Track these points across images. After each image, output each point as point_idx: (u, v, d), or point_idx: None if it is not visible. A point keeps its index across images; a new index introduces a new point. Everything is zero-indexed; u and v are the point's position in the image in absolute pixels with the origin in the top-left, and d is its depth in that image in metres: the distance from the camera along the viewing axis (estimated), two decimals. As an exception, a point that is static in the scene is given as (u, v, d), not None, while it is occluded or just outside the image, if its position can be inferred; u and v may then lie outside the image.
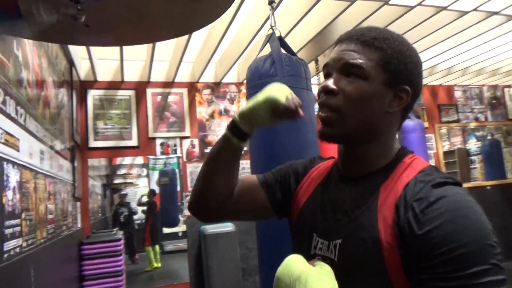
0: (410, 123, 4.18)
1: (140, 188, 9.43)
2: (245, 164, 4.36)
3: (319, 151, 1.67)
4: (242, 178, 0.90)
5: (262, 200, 0.86)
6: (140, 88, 4.12)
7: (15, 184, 1.61)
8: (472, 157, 6.68)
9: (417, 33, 3.48)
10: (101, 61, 3.94)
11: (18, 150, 1.68)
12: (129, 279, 5.17)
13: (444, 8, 3.08)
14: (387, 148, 0.71)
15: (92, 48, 3.42)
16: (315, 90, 4.06)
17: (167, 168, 5.14)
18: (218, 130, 4.34)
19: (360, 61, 0.67)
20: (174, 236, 8.61)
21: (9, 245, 1.50)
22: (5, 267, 1.43)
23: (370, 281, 0.61)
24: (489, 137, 5.83)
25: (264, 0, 2.97)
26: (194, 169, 4.25)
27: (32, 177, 1.91)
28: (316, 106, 1.85)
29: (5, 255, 1.45)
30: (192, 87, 4.31)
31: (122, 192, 8.17)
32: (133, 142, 4.03)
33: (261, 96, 0.78)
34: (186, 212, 4.18)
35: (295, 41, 3.53)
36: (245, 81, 4.38)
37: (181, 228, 7.79)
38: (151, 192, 7.66)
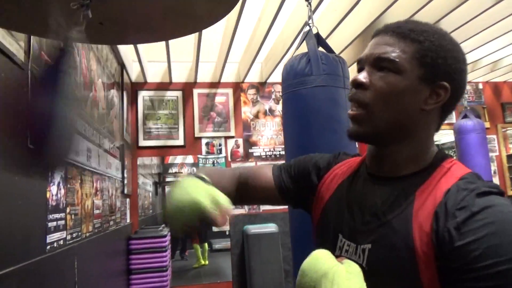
0: (468, 122, 3.89)
1: (190, 186, 9.73)
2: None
3: (356, 152, 1.59)
4: (255, 170, 0.91)
5: (272, 192, 0.87)
6: (187, 88, 4.22)
7: (59, 180, 1.70)
8: (543, 161, 6.08)
9: (476, 25, 3.22)
10: (150, 63, 4.09)
11: (63, 148, 1.77)
12: (177, 275, 5.34)
13: (506, -3, 2.81)
14: (423, 149, 0.66)
15: (141, 51, 3.56)
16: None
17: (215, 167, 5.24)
18: (263, 130, 4.32)
19: (393, 54, 0.63)
20: (222, 235, 8.77)
21: (52, 237, 1.59)
22: (48, 258, 1.51)
23: None
24: (563, 139, 5.25)
25: (307, -3, 2.91)
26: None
27: (78, 173, 2.01)
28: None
29: (48, 247, 1.53)
30: (238, 87, 4.34)
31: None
32: (180, 141, 4.14)
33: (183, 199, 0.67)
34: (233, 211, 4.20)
35: (340, 39, 3.42)
36: (290, 81, 4.35)
37: (228, 227, 7.95)
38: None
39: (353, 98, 0.67)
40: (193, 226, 0.67)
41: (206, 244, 7.48)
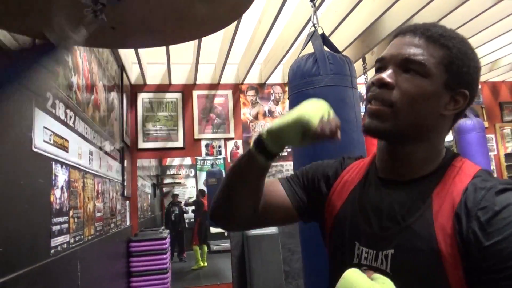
0: (468, 122, 3.90)
1: (188, 188, 9.68)
2: (289, 166, 4.31)
3: (365, 152, 1.59)
4: (266, 186, 0.82)
5: (287, 208, 0.81)
6: (186, 90, 4.21)
7: (63, 183, 1.69)
8: (540, 160, 6.11)
9: (475, 26, 3.24)
10: (150, 65, 4.07)
11: (67, 151, 1.76)
12: (177, 277, 5.31)
13: (506, -2, 2.82)
14: (436, 151, 0.66)
15: (141, 53, 3.54)
16: (362, 89, 3.88)
17: (214, 169, 5.21)
18: (263, 131, 4.32)
19: (422, 57, 0.63)
20: (220, 236, 8.73)
21: (56, 241, 1.57)
22: (52, 262, 1.50)
23: None
24: (560, 138, 5.29)
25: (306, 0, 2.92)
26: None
27: (81, 176, 2.00)
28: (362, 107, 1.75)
29: (52, 251, 1.52)
30: (237, 89, 4.33)
31: (174, 192, 8.44)
32: (179, 143, 4.13)
33: (292, 114, 0.69)
34: (231, 213, 4.19)
35: (341, 40, 3.42)
36: (289, 82, 4.35)
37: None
38: (200, 192, 7.84)
39: (377, 96, 0.65)
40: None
41: (205, 246, 7.46)
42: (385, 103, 0.63)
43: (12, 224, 1.18)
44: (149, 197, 7.39)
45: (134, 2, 0.71)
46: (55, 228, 1.57)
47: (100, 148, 2.50)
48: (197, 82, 4.21)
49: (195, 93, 4.24)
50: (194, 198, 8.10)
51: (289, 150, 4.31)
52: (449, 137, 4.67)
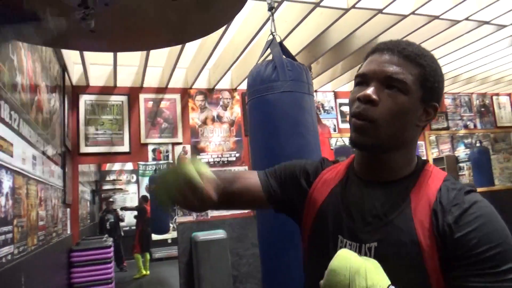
0: (401, 130, 4.22)
1: (129, 194, 9.34)
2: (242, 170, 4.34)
3: (320, 155, 1.67)
4: (242, 174, 0.92)
5: (257, 192, 0.87)
6: (132, 93, 4.09)
7: (8, 190, 1.57)
8: (461, 164, 6.78)
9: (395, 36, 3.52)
10: (94, 66, 3.90)
11: (11, 156, 1.64)
12: (118, 287, 5.09)
13: (437, 17, 3.13)
14: (411, 157, 0.76)
15: (85, 53, 3.38)
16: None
17: (157, 174, 5.10)
18: (211, 136, 4.32)
19: (403, 75, 0.70)
20: (163, 243, 8.54)
21: (1, 252, 1.46)
22: (-4, 276, 1.39)
23: (409, 283, 0.64)
24: (477, 145, 5.92)
25: (258, 8, 2.99)
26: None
27: (25, 183, 1.87)
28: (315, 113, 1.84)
29: (-3, 263, 1.41)
30: (185, 93, 4.29)
31: (109, 199, 8.07)
32: (125, 148, 3.99)
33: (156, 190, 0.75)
34: (178, 219, 4.13)
35: (289, 49, 3.54)
36: (239, 88, 4.40)
37: (171, 235, 7.72)
38: (143, 198, 7.57)
39: (362, 114, 0.70)
40: (181, 190, 0.70)
41: (147, 254, 7.23)
42: (368, 119, 0.70)
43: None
44: (88, 204, 7.01)
45: (119, 7, 0.71)
46: (0, 238, 1.46)
47: (43, 153, 2.35)
48: (144, 85, 4.11)
49: (142, 96, 4.13)
50: (137, 205, 7.82)
51: (237, 155, 4.35)
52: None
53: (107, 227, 7.20)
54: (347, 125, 4.69)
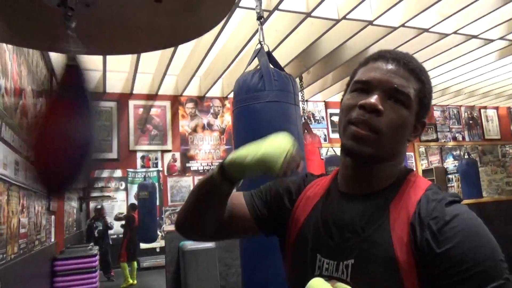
0: (391, 141, 4.24)
1: (118, 201, 9.20)
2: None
3: (305, 167, 1.66)
4: (230, 198, 0.84)
5: (247, 220, 0.83)
6: (122, 99, 4.06)
7: (-14, 196, 1.53)
8: (450, 176, 6.84)
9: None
10: (84, 71, 3.85)
11: (-9, 161, 1.60)
12: (104, 297, 4.98)
13: (426, 30, 3.17)
14: (397, 169, 0.72)
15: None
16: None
17: (147, 181, 5.02)
18: (201, 144, 4.29)
19: (408, 89, 0.67)
20: (151, 252, 8.39)
21: (-23, 261, 1.41)
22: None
23: None
24: (466, 157, 5.98)
25: (249, 16, 3.00)
26: (174, 183, 4.17)
27: (6, 189, 1.82)
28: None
29: (-28, 272, 1.36)
30: (176, 101, 4.27)
31: (97, 206, 7.93)
32: (113, 154, 3.94)
33: (256, 153, 0.72)
34: (165, 227, 4.08)
35: (280, 58, 3.54)
36: (229, 96, 4.39)
37: (159, 243, 7.59)
38: (132, 206, 7.46)
39: (367, 122, 0.66)
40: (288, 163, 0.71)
41: (135, 262, 7.10)
42: (372, 129, 0.66)
43: None
44: (74, 211, 6.88)
45: (101, 9, 0.69)
46: (-24, 246, 1.41)
47: (27, 158, 2.30)
48: (134, 92, 4.08)
49: (132, 103, 4.10)
50: (125, 213, 7.70)
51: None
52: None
53: (95, 235, 7.05)
54: (337, 135, 4.70)
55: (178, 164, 4.18)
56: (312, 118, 4.95)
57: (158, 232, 7.03)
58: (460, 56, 3.82)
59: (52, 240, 3.36)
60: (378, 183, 0.71)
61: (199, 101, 4.37)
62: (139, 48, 1.02)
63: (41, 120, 0.90)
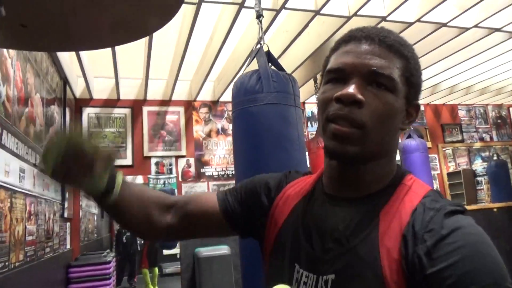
0: (412, 142, 4.07)
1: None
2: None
3: (308, 170, 1.56)
4: (198, 195, 0.79)
5: (214, 216, 0.75)
6: (136, 106, 4.07)
7: (-17, 203, 1.51)
8: (478, 178, 6.51)
9: (417, 51, 3.38)
10: (97, 79, 3.90)
11: (-11, 168, 1.59)
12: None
13: (444, 25, 3.01)
14: (390, 168, 0.62)
15: (87, 66, 3.38)
16: (314, 109, 3.95)
17: (166, 187, 5.02)
18: (215, 149, 4.25)
19: (390, 70, 0.57)
20: (173, 258, 8.40)
21: (-29, 270, 1.39)
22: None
23: None
24: (495, 158, 5.68)
25: (259, 17, 2.93)
26: (189, 189, 4.14)
27: (8, 196, 1.81)
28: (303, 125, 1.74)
29: (-35, 281, 1.34)
30: (189, 106, 4.25)
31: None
32: (128, 161, 3.95)
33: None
34: (181, 234, 4.04)
35: (292, 59, 3.48)
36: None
37: (179, 250, 7.62)
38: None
39: (347, 116, 0.56)
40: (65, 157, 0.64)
41: (156, 269, 7.12)
42: (354, 124, 0.56)
43: None
44: (95, 218, 6.98)
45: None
46: (-30, 254, 1.39)
47: (35, 165, 2.31)
48: (148, 98, 4.08)
49: (145, 109, 4.10)
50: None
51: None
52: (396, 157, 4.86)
53: (123, 241, 7.08)
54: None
55: (192, 169, 4.15)
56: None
57: (178, 238, 7.06)
58: (483, 52, 3.62)
59: (68, 247, 3.38)
60: (368, 185, 0.60)
61: (213, 105, 4.33)
62: (88, 44, 0.96)
63: None
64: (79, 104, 3.87)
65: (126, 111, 4.04)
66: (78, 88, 3.83)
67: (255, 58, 1.72)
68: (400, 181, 0.60)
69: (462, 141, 5.48)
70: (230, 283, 3.75)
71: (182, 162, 4.14)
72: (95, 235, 6.88)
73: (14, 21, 0.68)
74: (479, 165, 6.52)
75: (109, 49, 2.93)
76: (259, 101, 1.53)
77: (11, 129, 1.86)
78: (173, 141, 4.15)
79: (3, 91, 1.78)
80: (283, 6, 2.53)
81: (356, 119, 0.56)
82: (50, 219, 2.70)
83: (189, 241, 3.99)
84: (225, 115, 4.37)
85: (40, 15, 0.68)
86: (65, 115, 3.30)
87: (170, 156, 4.11)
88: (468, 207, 4.94)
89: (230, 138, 4.31)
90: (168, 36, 3.09)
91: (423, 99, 5.12)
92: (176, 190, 4.87)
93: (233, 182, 4.25)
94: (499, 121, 5.74)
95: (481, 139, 5.61)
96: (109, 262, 3.46)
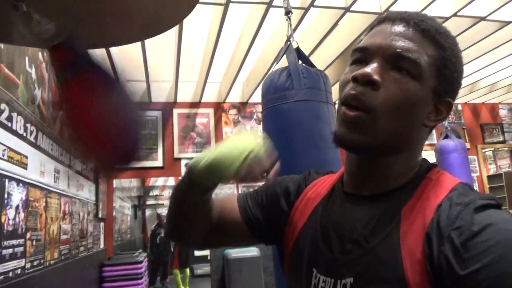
0: (450, 142, 3.89)
1: (171, 209, 9.46)
2: (271, 186, 4.21)
3: (330, 170, 1.51)
4: (222, 201, 0.74)
5: (239, 225, 0.71)
6: (166, 108, 4.13)
7: (18, 202, 1.56)
8: (522, 181, 6.15)
9: (453, 47, 3.26)
10: (128, 83, 3.99)
11: (25, 168, 1.64)
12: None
13: (483, 19, 2.86)
14: (413, 164, 0.57)
15: (119, 70, 3.46)
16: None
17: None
18: (245, 150, 4.24)
19: (417, 54, 0.52)
20: (204, 259, 8.50)
21: (7, 266, 1.44)
22: (0, 290, 1.36)
23: None
24: (540, 159, 5.34)
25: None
26: (218, 190, 4.13)
27: (43, 196, 1.87)
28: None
29: (1, 277, 1.38)
30: (219, 107, 4.27)
31: (160, 213, 8.12)
32: (159, 162, 4.01)
33: (210, 155, 0.59)
34: (211, 235, 4.05)
35: (323, 58, 3.41)
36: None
37: (210, 251, 7.66)
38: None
39: (358, 96, 0.52)
40: (245, 168, 0.56)
41: (187, 270, 7.20)
42: (365, 107, 0.52)
43: None
44: (128, 218, 7.16)
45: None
46: (6, 251, 1.44)
47: (69, 166, 2.38)
48: (178, 100, 4.14)
49: (176, 112, 4.16)
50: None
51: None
52: (432, 159, 4.66)
53: (157, 242, 7.17)
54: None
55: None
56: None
57: (209, 240, 7.09)
58: (526, 46, 3.41)
59: (101, 246, 3.47)
60: (389, 181, 0.56)
61: (242, 107, 4.33)
62: (117, 38, 0.96)
63: (65, 108, 0.87)
64: (112, 107, 3.97)
65: (157, 113, 4.10)
66: (111, 91, 3.93)
67: (284, 56, 1.69)
68: (424, 175, 0.55)
69: (503, 141, 5.19)
70: (259, 285, 3.72)
71: (211, 164, 4.15)
72: (128, 235, 7.07)
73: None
74: (522, 167, 6.16)
75: (140, 54, 2.99)
76: (290, 98, 1.49)
77: (46, 131, 1.92)
78: (203, 143, 4.17)
79: (38, 94, 1.84)
80: (311, 4, 2.49)
81: (366, 101, 0.52)
82: (84, 219, 2.78)
83: (219, 242, 3.99)
84: (254, 117, 4.35)
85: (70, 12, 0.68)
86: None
87: (200, 158, 4.14)
88: None
89: (259, 140, 4.30)
90: (197, 39, 3.11)
91: (460, 98, 4.89)
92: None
93: (261, 183, 4.22)
94: (544, 120, 5.40)
95: (525, 140, 5.29)
96: (141, 262, 3.52)
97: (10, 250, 1.47)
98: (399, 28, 0.54)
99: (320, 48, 3.14)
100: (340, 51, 3.21)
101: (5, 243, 1.43)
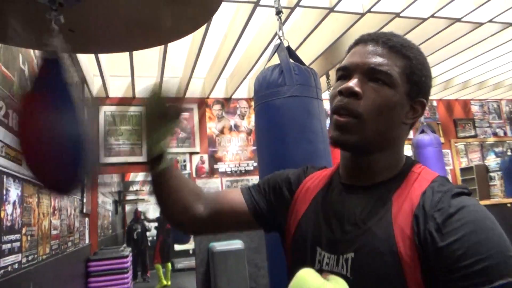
0: (425, 137, 4.07)
1: (152, 205, 9.42)
2: (256, 180, 4.30)
3: (331, 162, 1.60)
4: (225, 193, 0.86)
5: (242, 212, 0.81)
6: (150, 103, 4.13)
7: (15, 198, 1.58)
8: (492, 174, 6.47)
9: (431, 46, 3.41)
10: (113, 78, 3.97)
11: (20, 164, 1.66)
12: (139, 298, 5.08)
13: (458, 20, 3.01)
14: (398, 158, 0.69)
15: (104, 65, 3.45)
16: (326, 105, 3.99)
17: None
18: (228, 145, 4.30)
19: (387, 67, 0.65)
20: (185, 254, 8.53)
21: (6, 261, 1.46)
22: (1, 284, 1.39)
23: None
24: (509, 153, 5.64)
25: (272, 15, 2.97)
26: (203, 185, 4.19)
27: (36, 191, 1.89)
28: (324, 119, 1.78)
29: (1, 271, 1.41)
30: (203, 103, 4.31)
31: (138, 209, 8.12)
32: (143, 158, 4.01)
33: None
34: (196, 229, 4.10)
35: (305, 56, 3.50)
36: (255, 97, 4.38)
37: (191, 245, 7.69)
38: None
39: (345, 106, 0.64)
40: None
41: (169, 264, 7.22)
42: (352, 114, 0.64)
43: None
44: (110, 214, 7.10)
45: (94, 3, 0.69)
46: (5, 246, 1.46)
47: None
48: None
49: (160, 107, 4.16)
50: (158, 215, 7.87)
51: (255, 164, 4.30)
52: (408, 153, 4.85)
53: (134, 237, 7.22)
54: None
55: (206, 166, 4.21)
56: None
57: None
58: (497, 46, 3.60)
59: (87, 241, 3.47)
60: (379, 174, 0.67)
61: (226, 102, 4.38)
62: (132, 45, 1.01)
63: (19, 117, 0.90)
64: (96, 103, 3.94)
65: (141, 108, 4.10)
66: (95, 87, 3.90)
67: (276, 53, 1.76)
68: (409, 169, 0.67)
69: (475, 136, 5.45)
70: (244, 277, 3.80)
71: (196, 159, 4.20)
72: (110, 230, 7.01)
73: (65, 27, 0.73)
74: (492, 161, 6.47)
75: (126, 48, 2.99)
76: (282, 93, 1.56)
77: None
78: (186, 138, 4.21)
79: (31, 90, 1.85)
80: (297, 4, 2.56)
81: (353, 109, 0.64)
82: (71, 214, 2.78)
83: (203, 236, 4.05)
84: (238, 112, 4.41)
85: (93, 20, 0.73)
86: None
87: (184, 153, 4.17)
88: (482, 202, 4.90)
89: (243, 135, 4.36)
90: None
91: (435, 95, 5.10)
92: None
93: (246, 177, 4.30)
94: (512, 116, 5.70)
95: (495, 134, 5.57)
96: (126, 257, 3.54)
97: (9, 245, 1.50)
98: (371, 47, 0.67)
99: (303, 46, 3.23)
100: (322, 49, 3.31)
101: (4, 238, 1.45)
